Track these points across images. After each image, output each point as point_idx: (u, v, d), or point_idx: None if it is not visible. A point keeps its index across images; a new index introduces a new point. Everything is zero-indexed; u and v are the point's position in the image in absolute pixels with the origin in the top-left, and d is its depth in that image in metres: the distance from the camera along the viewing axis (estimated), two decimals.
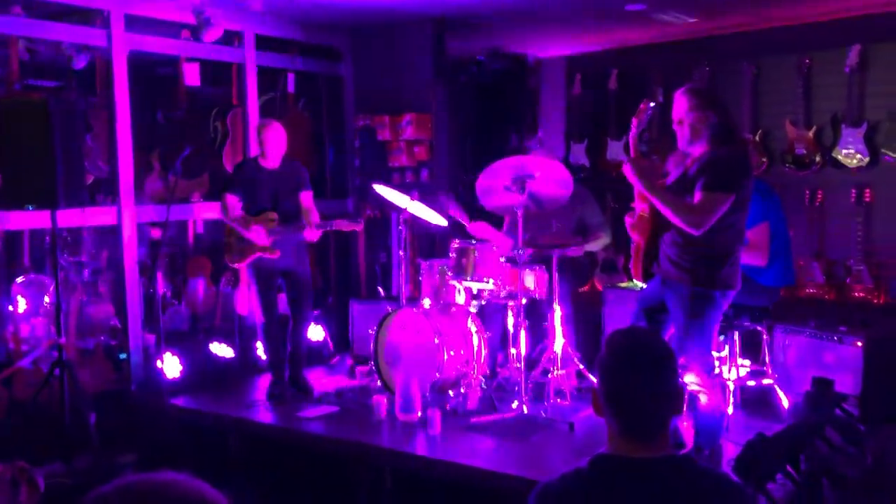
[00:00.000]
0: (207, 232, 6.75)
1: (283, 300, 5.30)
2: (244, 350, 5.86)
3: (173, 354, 5.32)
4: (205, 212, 6.05)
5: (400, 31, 6.34)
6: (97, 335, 5.50)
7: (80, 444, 4.41)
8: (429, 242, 6.30)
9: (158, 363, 5.17)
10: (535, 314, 5.04)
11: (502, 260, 4.85)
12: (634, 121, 3.71)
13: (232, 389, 5.39)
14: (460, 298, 5.06)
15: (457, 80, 6.28)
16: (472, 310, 5.03)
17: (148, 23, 5.42)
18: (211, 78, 6.39)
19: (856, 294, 5.68)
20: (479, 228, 5.22)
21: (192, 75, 6.10)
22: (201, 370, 5.51)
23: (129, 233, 5.30)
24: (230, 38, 5.99)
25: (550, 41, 6.80)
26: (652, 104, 3.83)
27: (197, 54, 5.93)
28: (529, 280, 4.79)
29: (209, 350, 5.76)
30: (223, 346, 5.81)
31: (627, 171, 3.62)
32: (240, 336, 5.90)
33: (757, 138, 6.04)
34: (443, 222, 5.34)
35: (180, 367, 5.34)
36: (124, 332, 5.35)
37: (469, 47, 6.44)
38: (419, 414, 4.51)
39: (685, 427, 3.80)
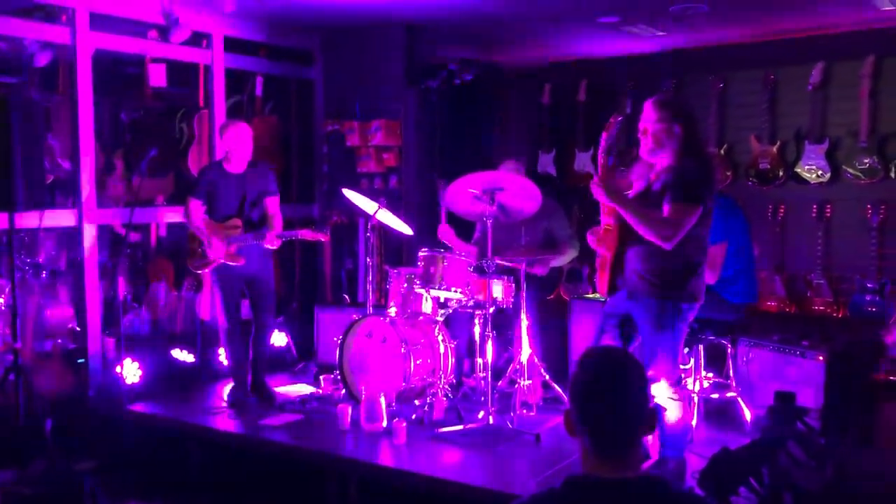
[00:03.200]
0: (170, 235, 6.64)
1: (245, 306, 5.23)
2: (205, 356, 5.77)
3: (133, 359, 5.22)
4: (169, 215, 5.95)
5: (371, 37, 6.32)
6: (55, 338, 5.37)
7: (36, 450, 4.30)
8: (396, 250, 6.27)
9: (118, 368, 5.07)
10: (502, 324, 5.04)
11: (470, 269, 4.84)
12: (604, 135, 3.71)
13: (193, 396, 5.31)
14: (427, 307, 5.03)
15: (427, 88, 6.26)
16: (439, 319, 5.00)
17: (114, 21, 5.32)
18: (177, 79, 6.28)
19: (816, 308, 5.77)
20: (446, 234, 5.20)
21: (157, 76, 6.00)
22: (162, 376, 5.41)
23: (89, 235, 5.20)
24: (198, 39, 5.90)
25: (521, 50, 6.81)
26: (620, 118, 3.83)
27: (164, 55, 5.84)
28: (497, 290, 4.78)
29: (170, 355, 5.66)
30: (184, 351, 5.72)
31: (595, 189, 3.61)
32: (201, 342, 5.81)
33: (722, 152, 6.12)
34: (408, 231, 5.31)
35: (140, 373, 5.24)
36: (83, 335, 5.25)
37: (440, 55, 6.43)
38: (384, 423, 4.48)
39: (650, 439, 3.81)
